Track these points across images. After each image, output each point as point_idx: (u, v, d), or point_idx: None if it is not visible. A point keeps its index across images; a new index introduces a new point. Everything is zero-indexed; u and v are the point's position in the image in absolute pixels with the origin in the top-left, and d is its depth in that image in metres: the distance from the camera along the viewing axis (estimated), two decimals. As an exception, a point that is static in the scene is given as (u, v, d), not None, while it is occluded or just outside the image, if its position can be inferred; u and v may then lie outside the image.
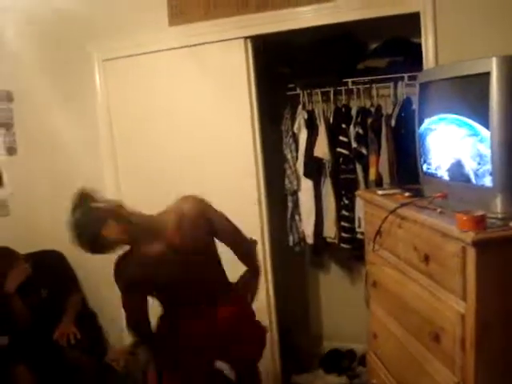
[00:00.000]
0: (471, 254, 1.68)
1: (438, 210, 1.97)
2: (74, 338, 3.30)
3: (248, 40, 3.17)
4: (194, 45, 3.25)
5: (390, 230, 2.29)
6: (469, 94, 1.94)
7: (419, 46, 2.86)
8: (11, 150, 3.73)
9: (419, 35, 2.82)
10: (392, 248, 2.30)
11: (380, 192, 2.45)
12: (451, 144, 2.03)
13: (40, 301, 3.47)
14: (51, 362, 3.32)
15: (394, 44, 3.35)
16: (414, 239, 2.06)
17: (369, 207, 2.56)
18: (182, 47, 3.30)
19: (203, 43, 3.23)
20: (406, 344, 2.20)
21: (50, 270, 3.58)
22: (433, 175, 2.20)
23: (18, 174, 3.74)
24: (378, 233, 2.36)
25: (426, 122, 2.20)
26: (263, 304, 3.35)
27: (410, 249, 2.10)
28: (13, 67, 3.64)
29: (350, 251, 3.43)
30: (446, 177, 2.10)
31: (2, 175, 3.66)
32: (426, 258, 1.95)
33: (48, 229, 3.77)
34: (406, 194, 2.30)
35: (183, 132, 3.40)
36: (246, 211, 3.28)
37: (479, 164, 1.87)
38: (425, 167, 2.27)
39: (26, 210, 3.75)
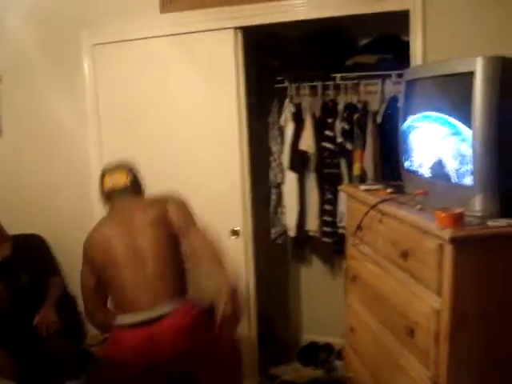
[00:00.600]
0: (448, 250, 1.70)
1: (418, 206, 1.99)
2: (53, 328, 3.28)
3: (238, 31, 3.16)
4: (185, 33, 3.24)
5: (370, 225, 2.31)
6: (453, 93, 1.96)
7: (408, 44, 2.87)
8: (-4, 131, 3.71)
9: (409, 33, 2.84)
10: (372, 243, 2.32)
11: (363, 187, 2.47)
12: (433, 142, 2.05)
13: (20, 285, 3.45)
14: (30, 346, 3.31)
15: (384, 41, 3.37)
16: (394, 235, 2.08)
17: (351, 202, 2.58)
18: (172, 35, 3.28)
19: (193, 32, 3.21)
20: (382, 338, 2.23)
21: (30, 253, 3.56)
22: (414, 172, 2.22)
23: (2, 156, 3.72)
24: (359, 227, 2.38)
25: (410, 119, 2.22)
26: (244, 295, 3.36)
27: (389, 244, 2.12)
28: (1, 48, 3.61)
29: (331, 245, 3.45)
30: (427, 174, 2.12)
31: (-14, 156, 3.64)
32: (405, 254, 1.98)
33: (31, 212, 3.76)
34: (388, 190, 2.32)
35: (170, 119, 3.39)
36: (230, 202, 3.29)
37: (460, 163, 1.89)
38: (407, 164, 2.29)
39: (10, 192, 3.72)
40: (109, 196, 2.59)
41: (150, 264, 2.35)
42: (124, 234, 2.42)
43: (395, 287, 2.08)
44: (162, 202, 2.51)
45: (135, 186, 2.62)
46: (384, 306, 2.20)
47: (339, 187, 2.92)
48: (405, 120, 2.27)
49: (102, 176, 2.62)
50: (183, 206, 2.52)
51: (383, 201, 2.17)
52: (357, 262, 2.52)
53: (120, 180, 2.57)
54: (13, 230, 3.50)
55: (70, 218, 3.67)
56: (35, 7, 3.51)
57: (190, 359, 2.30)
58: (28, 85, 3.66)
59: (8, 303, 3.33)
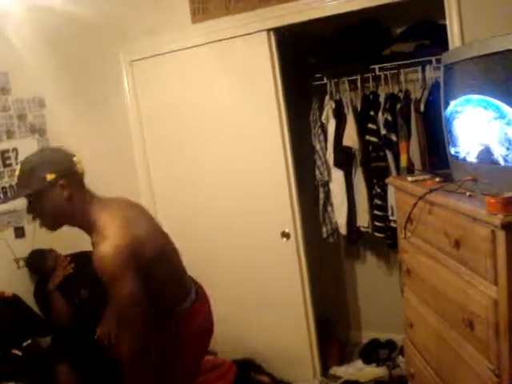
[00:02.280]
0: (501, 236, 1.64)
1: (468, 193, 1.93)
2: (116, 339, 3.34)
3: (271, 32, 3.15)
4: (218, 40, 3.25)
5: (420, 217, 2.26)
6: (495, 73, 1.87)
7: (445, 28, 2.79)
8: (46, 155, 3.80)
9: (445, 17, 2.75)
10: (423, 234, 2.26)
11: (410, 178, 2.41)
12: (478, 127, 1.98)
13: (80, 301, 3.54)
14: (94, 360, 3.38)
15: (420, 27, 3.29)
16: (445, 224, 2.03)
17: (400, 194, 2.52)
18: (205, 44, 3.31)
19: (226, 38, 3.22)
20: (441, 332, 2.16)
21: (89, 270, 3.64)
22: (462, 159, 2.14)
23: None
24: (409, 220, 2.32)
25: (452, 104, 2.15)
26: (299, 298, 3.35)
27: (440, 234, 2.06)
28: (43, 73, 3.70)
29: (385, 240, 3.38)
30: (474, 161, 2.04)
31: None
32: (457, 243, 1.92)
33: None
34: (437, 180, 2.26)
35: (212, 127, 3.42)
36: (278, 204, 3.28)
37: (508, 149, 1.81)
38: (453, 151, 2.22)
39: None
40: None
41: None
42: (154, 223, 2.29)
43: (450, 278, 2.02)
44: None
45: None
46: (441, 299, 2.13)
47: (386, 180, 2.86)
48: (446, 106, 2.20)
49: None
50: None
51: (431, 191, 2.12)
52: (410, 256, 2.46)
53: None
54: (68, 249, 3.61)
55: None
56: (72, 31, 3.58)
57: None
58: (70, 108, 3.73)
59: (69, 318, 3.42)
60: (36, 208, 2.13)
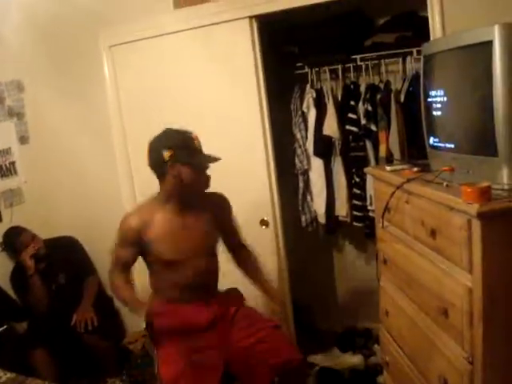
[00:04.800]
0: (476, 226, 1.66)
1: (445, 183, 1.94)
2: (92, 324, 3.34)
3: (253, 19, 3.13)
4: (200, 26, 3.22)
5: (397, 206, 2.27)
6: (473, 65, 1.90)
7: (427, 20, 2.80)
8: (23, 139, 3.77)
9: (427, 9, 2.77)
10: (400, 224, 2.28)
11: (388, 168, 2.42)
12: (456, 117, 2.00)
13: (58, 286, 3.53)
14: (70, 346, 3.37)
15: (402, 19, 3.29)
16: (421, 214, 2.04)
17: (378, 184, 2.54)
18: (187, 29, 3.27)
19: (208, 25, 3.19)
20: (417, 320, 2.19)
21: (66, 255, 3.63)
22: (439, 148, 2.16)
23: (30, 163, 3.78)
24: (386, 209, 2.34)
25: (432, 94, 2.16)
26: (276, 285, 3.36)
27: (417, 224, 2.08)
28: (22, 56, 3.66)
29: (363, 229, 3.41)
30: (452, 150, 2.06)
31: (15, 164, 3.70)
32: (433, 233, 1.94)
33: (62, 215, 3.82)
34: (415, 169, 2.27)
35: (192, 114, 3.37)
36: (257, 192, 3.28)
37: (485, 136, 1.83)
38: (431, 141, 2.24)
39: (40, 197, 3.79)
40: None
41: None
42: None
43: (426, 267, 2.04)
44: None
45: None
46: (416, 287, 2.16)
47: (365, 169, 2.87)
48: (426, 96, 2.22)
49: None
50: None
51: (408, 180, 2.13)
52: (387, 245, 2.48)
53: None
54: (46, 233, 3.58)
55: (101, 219, 3.71)
56: (52, 13, 3.52)
57: None
58: (50, 91, 3.70)
59: (46, 304, 3.40)
60: None
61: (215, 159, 2.49)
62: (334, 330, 3.92)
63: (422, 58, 2.28)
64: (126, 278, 2.56)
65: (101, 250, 3.60)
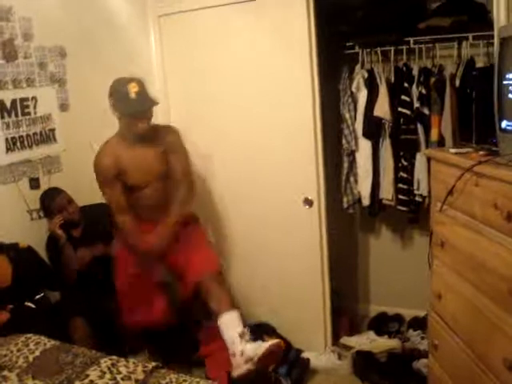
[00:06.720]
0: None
1: (520, 166, 1.91)
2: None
3: (309, -9, 3.07)
4: (254, -1, 3.17)
5: (463, 189, 2.24)
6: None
7: (482, 5, 2.77)
8: (64, 107, 3.71)
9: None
10: (465, 207, 2.24)
11: (453, 150, 2.39)
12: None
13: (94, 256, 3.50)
14: (106, 317, 3.35)
15: (456, 3, 3.25)
16: (495, 196, 2.01)
17: (439, 166, 2.50)
18: (239, 2, 3.23)
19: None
20: (478, 304, 2.16)
21: (101, 220, 3.60)
22: (513, 132, 2.13)
23: (70, 131, 3.73)
24: (451, 192, 2.31)
25: (509, 77, 2.12)
26: (317, 267, 3.35)
27: (489, 207, 2.05)
28: (67, 22, 3.60)
29: (406, 214, 3.38)
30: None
31: (54, 131, 3.66)
32: (509, 216, 1.90)
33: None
34: (481, 153, 2.24)
35: (240, 87, 3.36)
36: (304, 170, 3.25)
37: None
38: (504, 124, 2.20)
39: (78, 166, 3.75)
40: None
41: None
42: None
43: (497, 251, 2.01)
44: None
45: None
46: (481, 271, 2.13)
47: (423, 151, 2.84)
48: (501, 79, 2.18)
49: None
50: None
51: (480, 162, 2.10)
52: (445, 228, 2.45)
53: None
54: (83, 203, 3.56)
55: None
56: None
57: None
58: (93, 59, 3.64)
59: (76, 273, 3.38)
60: None
61: (148, 105, 2.98)
62: (364, 315, 3.92)
63: (496, 40, 2.25)
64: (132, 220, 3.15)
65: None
